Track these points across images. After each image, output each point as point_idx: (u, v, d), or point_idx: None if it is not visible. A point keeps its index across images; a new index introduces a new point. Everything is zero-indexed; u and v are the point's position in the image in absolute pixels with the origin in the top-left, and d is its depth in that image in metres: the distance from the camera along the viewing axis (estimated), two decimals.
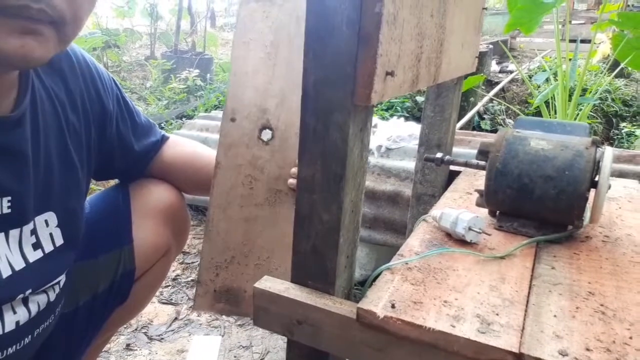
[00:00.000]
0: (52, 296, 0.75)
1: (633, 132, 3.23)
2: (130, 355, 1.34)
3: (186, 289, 1.68)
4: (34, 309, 0.72)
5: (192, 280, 1.72)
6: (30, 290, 0.70)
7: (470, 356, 0.49)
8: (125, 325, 1.45)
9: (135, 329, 1.46)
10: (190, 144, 1.00)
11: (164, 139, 0.96)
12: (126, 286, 0.88)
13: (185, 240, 1.03)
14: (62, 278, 0.77)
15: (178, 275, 1.75)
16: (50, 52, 0.59)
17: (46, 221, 0.73)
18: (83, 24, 0.64)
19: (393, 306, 0.55)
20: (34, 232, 0.71)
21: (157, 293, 1.66)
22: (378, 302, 0.56)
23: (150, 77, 3.78)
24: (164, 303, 1.60)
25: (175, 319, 1.51)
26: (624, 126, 3.34)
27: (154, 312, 1.55)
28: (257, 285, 0.63)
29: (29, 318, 0.71)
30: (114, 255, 0.86)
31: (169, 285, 1.70)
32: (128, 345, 1.38)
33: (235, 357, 1.34)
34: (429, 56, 0.68)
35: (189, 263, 1.83)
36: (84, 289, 0.84)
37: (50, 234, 0.73)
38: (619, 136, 3.31)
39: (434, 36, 0.68)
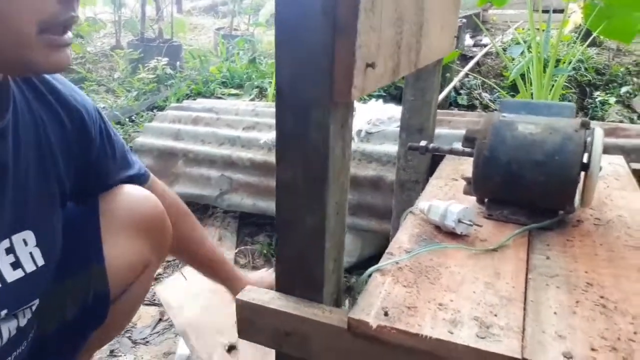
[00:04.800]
0: (23, 321, 0.71)
1: (607, 100, 3.26)
2: None
3: None
4: (5, 335, 0.67)
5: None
6: (6, 311, 0.65)
7: None
8: None
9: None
10: (172, 196, 0.98)
11: (143, 177, 0.91)
12: (101, 310, 0.80)
13: (167, 252, 0.94)
14: (36, 302, 0.72)
15: (159, 275, 1.70)
16: None
17: (24, 240, 0.68)
18: None
19: (386, 314, 0.51)
20: (10, 250, 0.66)
21: None
22: (370, 309, 0.52)
23: (118, 68, 3.64)
24: (146, 304, 1.54)
25: (160, 320, 1.47)
26: (597, 95, 3.37)
27: (137, 314, 1.50)
28: (240, 296, 0.59)
29: (1, 345, 0.66)
30: (82, 278, 0.78)
31: (151, 285, 1.64)
32: (112, 351, 1.33)
33: None
34: (408, 42, 0.64)
35: (170, 261, 1.77)
36: (53, 316, 0.77)
37: (30, 254, 0.69)
38: (592, 105, 3.33)
39: (413, 20, 0.64)
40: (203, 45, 4.74)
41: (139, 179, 0.89)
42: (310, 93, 0.49)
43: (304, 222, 0.55)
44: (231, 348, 1.18)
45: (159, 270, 1.72)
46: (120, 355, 1.32)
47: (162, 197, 0.90)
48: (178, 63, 3.61)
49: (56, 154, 0.73)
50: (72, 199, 0.82)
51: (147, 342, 1.38)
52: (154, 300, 1.57)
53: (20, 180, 0.66)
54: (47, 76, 0.72)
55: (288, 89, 0.50)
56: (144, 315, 1.50)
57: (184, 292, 1.39)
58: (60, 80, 0.75)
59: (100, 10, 4.63)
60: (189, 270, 1.45)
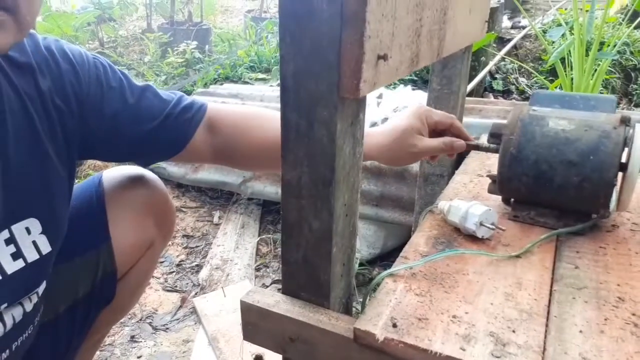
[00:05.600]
0: (29, 307, 0.71)
1: None
2: (135, 347, 1.31)
3: (191, 275, 1.64)
4: (9, 322, 0.67)
5: (197, 266, 1.68)
6: (5, 305, 0.65)
7: None
8: (129, 316, 1.42)
9: (140, 319, 1.42)
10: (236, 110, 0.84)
11: (189, 109, 0.78)
12: (109, 287, 0.83)
13: (172, 232, 0.96)
14: (42, 286, 0.72)
15: (182, 261, 1.71)
16: (10, 40, 0.55)
17: (27, 229, 0.67)
18: (39, 6, 0.58)
19: (394, 325, 0.48)
20: (11, 241, 0.65)
21: (162, 280, 1.62)
22: (378, 319, 0.49)
23: (148, 51, 3.66)
24: (168, 290, 1.56)
25: (180, 307, 1.48)
26: None
27: (159, 300, 1.51)
28: (244, 299, 0.57)
29: (4, 332, 0.66)
30: (90, 257, 0.80)
31: (173, 272, 1.66)
32: (132, 337, 1.35)
33: None
34: (430, 29, 0.59)
35: (193, 247, 1.78)
36: (62, 296, 0.79)
37: (34, 242, 0.68)
38: (638, 91, 3.15)
39: (436, 5, 0.59)
40: (233, 28, 4.72)
41: (183, 116, 0.77)
42: (316, 89, 0.45)
43: (310, 226, 0.52)
44: (258, 358, 1.18)
45: (182, 257, 1.74)
46: (141, 341, 1.34)
47: (225, 120, 0.80)
48: (207, 47, 3.60)
49: (55, 128, 0.68)
50: (106, 156, 0.80)
51: (167, 328, 1.39)
52: (175, 286, 1.58)
53: (15, 168, 0.64)
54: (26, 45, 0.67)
55: (292, 84, 0.46)
56: (165, 302, 1.51)
57: (221, 306, 1.42)
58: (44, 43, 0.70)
59: None
60: (229, 289, 1.48)
